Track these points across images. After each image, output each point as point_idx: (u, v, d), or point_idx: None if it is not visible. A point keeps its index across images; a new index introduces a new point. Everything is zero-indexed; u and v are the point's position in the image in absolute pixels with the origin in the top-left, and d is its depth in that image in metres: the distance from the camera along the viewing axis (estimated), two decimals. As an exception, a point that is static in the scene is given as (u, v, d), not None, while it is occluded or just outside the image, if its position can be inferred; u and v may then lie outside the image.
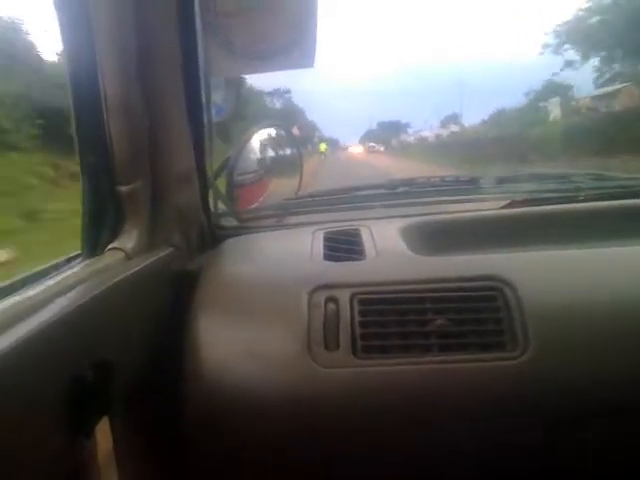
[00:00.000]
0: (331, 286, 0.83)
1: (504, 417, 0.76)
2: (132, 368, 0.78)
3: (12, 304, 0.60)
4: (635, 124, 13.23)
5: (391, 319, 0.79)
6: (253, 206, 1.28)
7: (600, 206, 1.12)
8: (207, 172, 1.07)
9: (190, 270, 0.94)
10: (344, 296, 0.81)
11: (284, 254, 1.01)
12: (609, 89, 19.54)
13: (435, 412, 0.76)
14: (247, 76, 1.36)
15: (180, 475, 0.86)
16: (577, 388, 0.75)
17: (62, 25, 0.79)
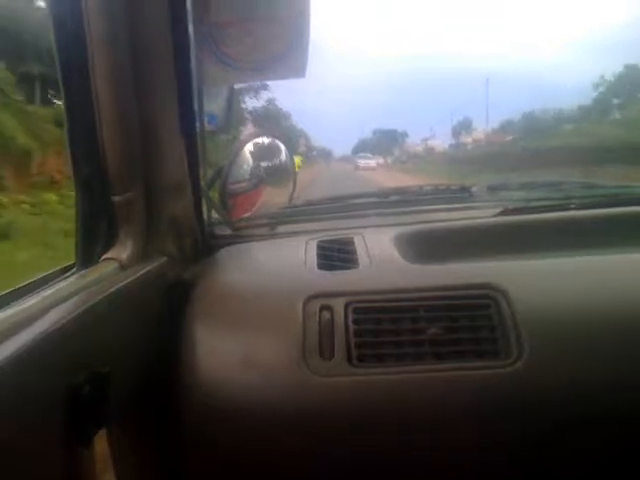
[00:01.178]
0: (325, 295, 0.83)
1: (499, 424, 0.76)
2: (128, 378, 0.77)
3: (7, 316, 0.60)
4: None
5: (385, 328, 0.79)
6: (246, 215, 1.28)
7: (591, 214, 1.13)
8: (200, 181, 1.07)
9: (184, 279, 0.94)
10: (338, 305, 0.81)
11: (278, 263, 1.02)
12: None
13: (430, 420, 0.76)
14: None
15: None
16: (571, 395, 0.76)
17: (56, 36, 0.80)
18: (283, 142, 1.36)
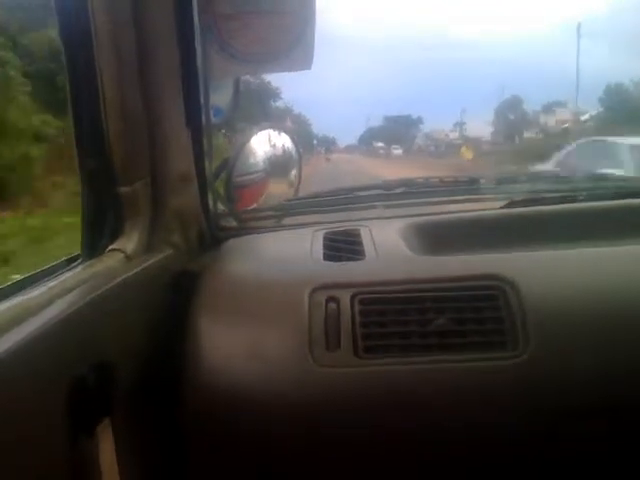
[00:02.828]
0: (331, 286, 0.83)
1: (505, 416, 0.76)
2: (133, 369, 0.78)
3: (13, 306, 0.61)
4: None
5: (392, 319, 0.79)
6: (252, 207, 1.29)
7: (598, 206, 1.12)
8: (206, 173, 1.07)
9: (190, 271, 0.94)
10: (345, 296, 0.81)
11: (284, 255, 1.02)
12: None
13: (436, 411, 0.76)
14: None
15: (182, 476, 0.86)
16: (578, 387, 0.76)
17: (62, 28, 0.80)
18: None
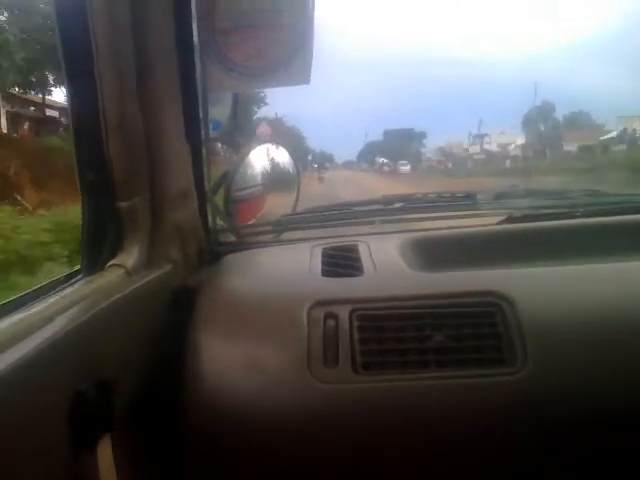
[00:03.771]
0: (330, 302, 0.83)
1: (505, 431, 0.76)
2: (133, 384, 0.77)
3: (14, 322, 0.61)
4: None
5: (390, 335, 0.79)
6: (251, 222, 1.28)
7: (596, 222, 1.13)
8: (205, 188, 1.07)
9: (189, 286, 0.94)
10: (343, 312, 0.81)
11: (283, 270, 1.02)
12: None
13: (434, 428, 0.76)
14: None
15: None
16: (576, 402, 0.76)
17: (62, 43, 0.80)
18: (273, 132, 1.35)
